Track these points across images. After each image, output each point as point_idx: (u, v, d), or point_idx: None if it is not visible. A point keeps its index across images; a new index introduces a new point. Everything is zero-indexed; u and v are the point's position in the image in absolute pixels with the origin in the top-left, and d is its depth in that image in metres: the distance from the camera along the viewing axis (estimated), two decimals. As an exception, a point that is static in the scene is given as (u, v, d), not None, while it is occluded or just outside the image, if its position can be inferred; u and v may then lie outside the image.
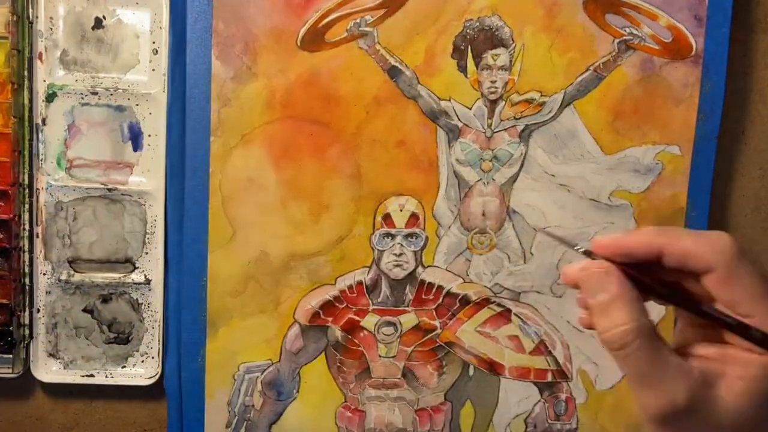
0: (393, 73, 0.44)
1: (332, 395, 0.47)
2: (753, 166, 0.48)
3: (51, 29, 0.44)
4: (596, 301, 0.31)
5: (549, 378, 0.47)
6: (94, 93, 0.45)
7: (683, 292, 0.31)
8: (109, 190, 0.45)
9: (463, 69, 0.44)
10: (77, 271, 0.46)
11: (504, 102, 0.45)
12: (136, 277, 0.46)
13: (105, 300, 0.46)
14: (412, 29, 0.44)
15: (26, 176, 0.45)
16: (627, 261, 0.30)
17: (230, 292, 0.45)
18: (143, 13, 0.44)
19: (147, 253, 0.46)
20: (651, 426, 0.31)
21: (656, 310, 0.34)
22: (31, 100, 0.44)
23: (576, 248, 0.33)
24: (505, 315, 0.47)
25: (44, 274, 0.45)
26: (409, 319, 0.46)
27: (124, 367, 0.47)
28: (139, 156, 0.45)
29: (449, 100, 0.45)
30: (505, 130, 0.45)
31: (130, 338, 0.47)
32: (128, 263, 0.46)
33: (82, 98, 0.45)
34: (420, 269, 0.46)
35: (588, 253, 0.32)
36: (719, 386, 0.29)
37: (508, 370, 0.47)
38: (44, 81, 0.44)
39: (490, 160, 0.45)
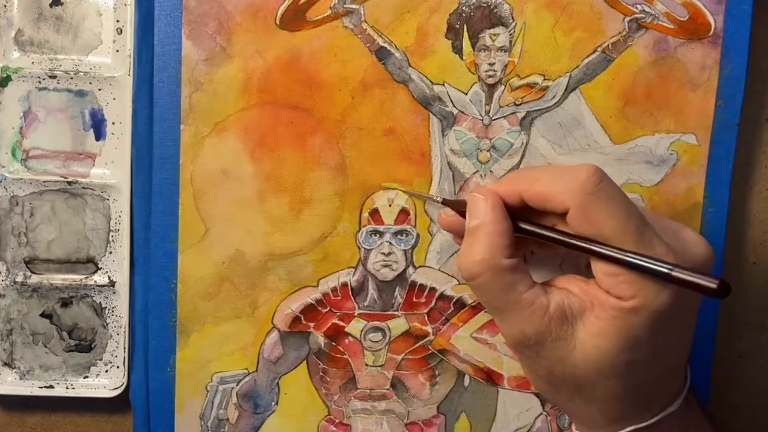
0: (381, 54, 0.42)
1: (314, 408, 0.46)
2: (776, 157, 0.46)
3: (5, 6, 0.42)
4: (468, 226, 0.34)
5: (552, 389, 0.46)
6: (53, 76, 0.43)
7: (555, 230, 0.33)
8: (69, 183, 0.43)
9: (458, 50, 0.43)
10: (34, 273, 0.44)
11: (503, 86, 0.43)
12: (99, 278, 0.44)
13: (65, 304, 0.45)
14: (402, 6, 0.42)
15: (-22, 168, 0.43)
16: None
17: (202, 295, 0.44)
18: (106, -12, 0.42)
19: (111, 253, 0.44)
20: (511, 355, 0.36)
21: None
22: (-18, 85, 0.43)
23: (434, 198, 0.39)
24: (504, 320, 0.45)
25: (-2, 276, 0.44)
26: (398, 325, 0.45)
27: (87, 377, 0.45)
28: (101, 146, 0.43)
29: (443, 85, 0.43)
30: (504, 117, 0.43)
31: (92, 346, 0.45)
32: (90, 263, 0.44)
33: (39, 82, 0.43)
34: (411, 270, 0.44)
35: (447, 203, 0.38)
36: (577, 323, 0.32)
37: (507, 380, 0.46)
38: (-3, 63, 0.42)
39: (488, 151, 0.44)
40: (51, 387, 0.45)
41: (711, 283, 0.29)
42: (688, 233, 0.34)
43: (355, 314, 0.45)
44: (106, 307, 0.45)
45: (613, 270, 0.31)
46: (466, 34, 0.43)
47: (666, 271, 0.30)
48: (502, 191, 0.34)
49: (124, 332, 0.44)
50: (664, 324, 0.31)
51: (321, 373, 0.45)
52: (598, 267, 0.32)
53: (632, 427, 0.34)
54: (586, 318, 0.32)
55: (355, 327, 0.45)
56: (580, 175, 0.31)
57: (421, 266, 0.44)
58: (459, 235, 0.37)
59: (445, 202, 0.36)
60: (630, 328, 0.31)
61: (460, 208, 0.37)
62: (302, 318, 0.45)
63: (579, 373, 0.32)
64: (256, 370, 0.45)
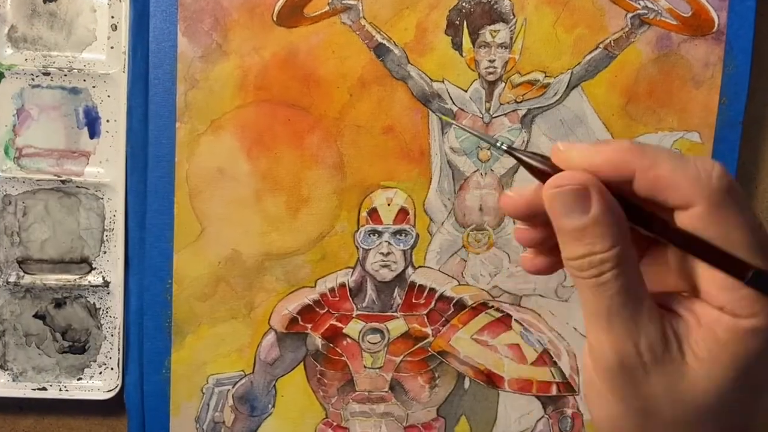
0: (380, 51, 0.42)
1: (312, 410, 0.45)
2: (781, 155, 0.46)
3: (-3, 2, 0.42)
4: (571, 225, 0.26)
5: (553, 391, 0.45)
6: (46, 74, 0.42)
7: (666, 221, 0.26)
8: (63, 182, 0.43)
9: (458, 47, 0.42)
10: (27, 273, 0.44)
11: (504, 84, 0.43)
12: (93, 279, 0.44)
13: (58, 304, 0.44)
14: (401, 2, 0.42)
15: (-30, 166, 0.43)
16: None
17: (198, 296, 0.43)
18: (100, -16, 0.42)
19: (105, 253, 0.44)
20: (600, 379, 0.27)
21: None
22: (-25, 82, 0.42)
23: (498, 144, 0.28)
24: (504, 321, 0.45)
25: (-9, 276, 0.43)
26: (397, 326, 0.44)
27: (80, 379, 0.45)
28: (96, 144, 0.43)
29: (442, 82, 0.42)
30: (504, 114, 0.43)
31: (86, 347, 0.44)
32: (84, 264, 0.44)
33: (33, 79, 0.42)
34: (410, 270, 0.44)
35: (512, 151, 0.27)
36: (685, 348, 0.26)
37: (507, 382, 0.45)
38: (-11, 60, 0.42)
39: (489, 149, 0.43)
40: (44, 389, 0.44)
41: None
42: None
43: (354, 315, 0.44)
44: (100, 308, 0.44)
45: (733, 282, 0.25)
46: (466, 31, 0.42)
47: None
48: (607, 166, 0.26)
49: (119, 333, 0.44)
50: None
51: (318, 375, 0.45)
52: (713, 278, 0.26)
53: None
54: (692, 341, 0.26)
55: (353, 328, 0.44)
56: (714, 170, 0.26)
57: (420, 266, 0.44)
58: (533, 220, 0.29)
59: (514, 154, 0.26)
60: (744, 355, 0.26)
61: (541, 167, 0.27)
62: (299, 319, 0.44)
63: (686, 409, 0.27)
64: (253, 372, 0.44)
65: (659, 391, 0.27)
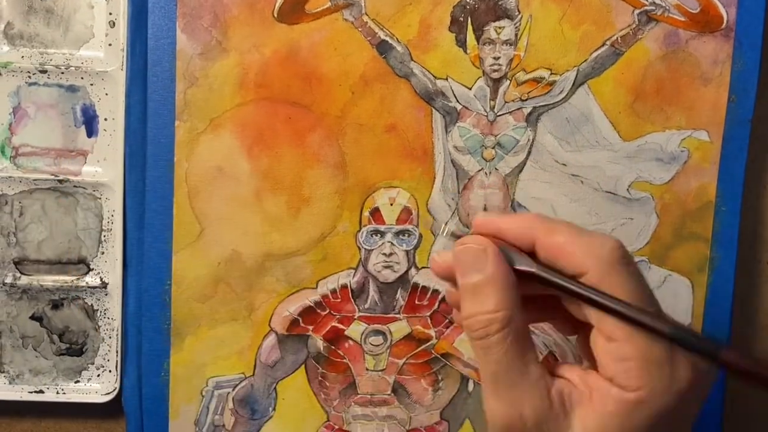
0: (382, 48, 0.41)
1: (313, 413, 0.45)
2: (790, 154, 0.45)
3: (-7, -2, 0.41)
4: (469, 282, 0.29)
5: (559, 394, 0.45)
6: (43, 71, 0.42)
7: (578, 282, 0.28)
8: (60, 181, 0.42)
9: (462, 44, 0.42)
10: (24, 274, 0.43)
11: (509, 81, 0.42)
12: (91, 280, 0.43)
13: (56, 306, 0.44)
14: (404, -2, 0.41)
15: (-34, 166, 0.42)
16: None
17: (197, 297, 0.43)
18: (98, -20, 0.42)
19: (103, 253, 0.43)
20: None
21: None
22: (-30, 79, 0.42)
23: (443, 233, 0.33)
24: (509, 323, 0.44)
25: (-13, 277, 0.43)
26: (400, 328, 0.44)
27: (78, 381, 0.44)
28: (93, 143, 0.43)
29: (446, 79, 0.42)
30: (509, 113, 0.42)
31: (84, 349, 0.44)
32: (82, 264, 0.43)
33: (29, 77, 0.42)
34: (413, 271, 0.43)
35: (454, 236, 0.31)
36: (574, 415, 0.28)
37: None
38: (-15, 57, 0.41)
39: (493, 147, 0.43)
40: (41, 392, 0.44)
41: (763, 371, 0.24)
42: None
43: (355, 317, 0.44)
44: (98, 310, 0.44)
45: (626, 353, 0.27)
46: (470, 27, 0.42)
47: (714, 348, 0.25)
48: (511, 233, 0.30)
49: (117, 335, 0.43)
50: (666, 423, 0.28)
51: (320, 378, 0.44)
52: (607, 349, 0.28)
53: None
54: (582, 411, 0.28)
55: (355, 330, 0.44)
56: (608, 242, 0.28)
57: (423, 267, 0.43)
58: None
59: (453, 236, 0.31)
60: (628, 426, 0.27)
61: (460, 235, 0.32)
62: (300, 321, 0.44)
63: None
64: (253, 375, 0.44)
65: None
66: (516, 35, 0.42)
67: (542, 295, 0.30)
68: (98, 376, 0.44)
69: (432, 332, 0.44)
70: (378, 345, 0.44)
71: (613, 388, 0.27)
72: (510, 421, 0.29)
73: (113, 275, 0.43)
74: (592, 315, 0.28)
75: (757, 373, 0.24)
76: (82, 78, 0.42)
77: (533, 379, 0.28)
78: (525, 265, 0.29)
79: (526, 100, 0.42)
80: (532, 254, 0.29)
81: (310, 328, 0.44)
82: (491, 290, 0.29)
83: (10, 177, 0.42)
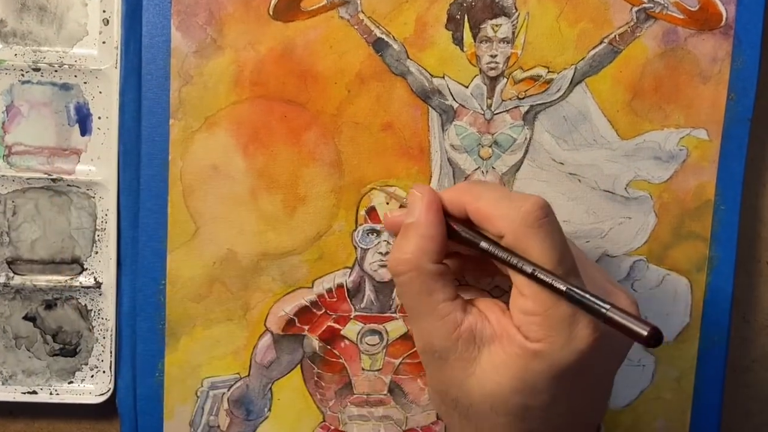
0: (379, 46, 0.41)
1: (309, 414, 0.44)
2: (790, 152, 0.45)
3: (-14, -4, 0.41)
4: (404, 222, 0.34)
5: (557, 394, 0.44)
6: (36, 69, 0.41)
7: (489, 239, 0.33)
8: (54, 180, 0.42)
9: (458, 41, 0.41)
10: (17, 273, 0.43)
11: (506, 79, 0.42)
12: (85, 279, 0.43)
13: (49, 306, 0.43)
14: (401, -4, 0.41)
15: (-42, 164, 0.42)
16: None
17: (192, 297, 0.42)
18: (91, -23, 0.41)
19: (97, 253, 0.43)
20: (420, 357, 0.35)
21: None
22: (-37, 77, 0.41)
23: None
24: (506, 323, 0.44)
25: (-20, 277, 0.43)
26: (396, 327, 0.44)
27: (71, 382, 0.44)
28: (87, 141, 0.42)
29: (443, 77, 0.42)
30: (506, 111, 0.42)
31: (77, 350, 0.44)
32: (75, 264, 0.43)
33: (23, 75, 0.42)
34: (409, 271, 0.43)
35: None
36: (483, 351, 0.32)
37: None
38: (-22, 55, 0.41)
39: (490, 146, 0.42)
40: (34, 393, 0.44)
41: (642, 330, 0.27)
42: (616, 293, 0.34)
43: (351, 316, 0.43)
44: (91, 310, 0.43)
45: (529, 307, 0.30)
46: (467, 25, 0.41)
47: (600, 307, 0.28)
48: (447, 197, 0.34)
49: (111, 335, 0.43)
50: (568, 378, 0.30)
51: (316, 378, 0.44)
52: (516, 301, 0.31)
53: None
54: (493, 348, 0.31)
55: (351, 330, 0.43)
56: (524, 205, 0.31)
57: (420, 267, 0.43)
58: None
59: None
60: (529, 371, 0.30)
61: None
62: (296, 320, 0.43)
63: (473, 402, 0.32)
64: (248, 375, 0.44)
65: (453, 382, 0.32)
66: (513, 33, 0.42)
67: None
68: (92, 376, 0.44)
69: (429, 332, 0.44)
70: (374, 345, 0.44)
71: (519, 335, 0.31)
72: (422, 347, 0.34)
73: (107, 275, 0.43)
74: (510, 272, 0.32)
75: (631, 330, 0.28)
76: (75, 76, 0.42)
77: (440, 315, 0.32)
78: (453, 222, 0.34)
79: (523, 98, 0.42)
80: (468, 220, 0.33)
81: (306, 327, 0.43)
82: (413, 234, 0.33)
83: (3, 176, 0.42)
